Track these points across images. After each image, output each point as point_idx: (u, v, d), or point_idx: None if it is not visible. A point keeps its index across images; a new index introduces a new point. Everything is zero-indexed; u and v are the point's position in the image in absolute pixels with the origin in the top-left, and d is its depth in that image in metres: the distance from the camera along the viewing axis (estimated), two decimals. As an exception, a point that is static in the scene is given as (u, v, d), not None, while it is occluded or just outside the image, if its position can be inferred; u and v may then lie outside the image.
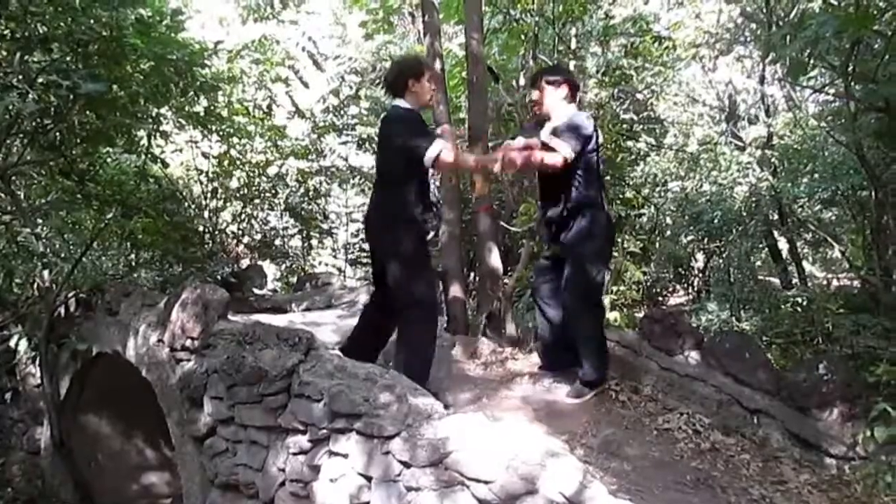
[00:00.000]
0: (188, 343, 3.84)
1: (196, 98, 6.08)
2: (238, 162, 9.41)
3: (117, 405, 5.01)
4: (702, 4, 9.75)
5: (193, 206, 8.98)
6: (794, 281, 9.27)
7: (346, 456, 2.97)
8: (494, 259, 6.20)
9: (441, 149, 3.79)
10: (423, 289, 3.93)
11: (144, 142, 6.00)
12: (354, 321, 4.67)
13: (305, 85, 10.19)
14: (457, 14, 8.44)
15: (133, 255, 7.53)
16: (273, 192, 10.25)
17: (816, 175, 8.28)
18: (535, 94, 4.25)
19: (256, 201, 10.13)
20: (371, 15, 9.48)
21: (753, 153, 8.87)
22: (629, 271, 5.88)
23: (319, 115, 11.69)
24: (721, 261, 10.22)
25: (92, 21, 4.49)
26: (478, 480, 2.53)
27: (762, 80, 9.52)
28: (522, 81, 7.28)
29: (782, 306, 7.79)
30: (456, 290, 6.24)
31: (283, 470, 3.24)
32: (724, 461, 3.64)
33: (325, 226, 11.27)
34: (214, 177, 9.21)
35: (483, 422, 2.79)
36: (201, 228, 9.12)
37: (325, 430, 3.04)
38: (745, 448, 3.80)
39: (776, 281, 9.84)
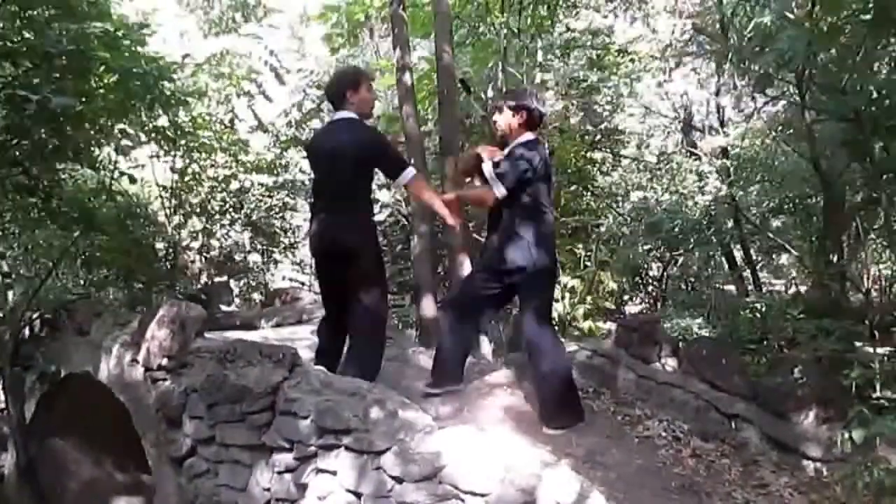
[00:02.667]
0: (165, 362, 3.76)
1: (164, 112, 5.97)
2: (199, 177, 9.29)
3: (86, 428, 4.86)
4: (657, 19, 9.97)
5: (152, 223, 8.81)
6: (750, 288, 9.47)
7: (334, 473, 2.93)
8: (467, 271, 6.21)
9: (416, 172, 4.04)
10: (384, 305, 4.13)
11: (112, 157, 5.86)
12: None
13: (268, 99, 10.13)
14: (422, 28, 8.49)
15: (94, 274, 7.33)
16: (235, 207, 10.13)
17: (766, 184, 8.51)
18: (495, 116, 4.22)
19: (217, 216, 10.00)
20: (336, 29, 9.44)
21: (710, 163, 9.04)
22: (603, 281, 5.96)
23: (282, 129, 11.64)
24: (677, 269, 10.40)
25: (62, 33, 4.37)
26: (473, 494, 2.52)
27: (717, 92, 9.75)
28: (491, 93, 7.33)
29: (741, 312, 7.95)
30: (428, 303, 6.22)
31: (268, 489, 3.18)
32: (705, 466, 3.69)
33: (286, 240, 11.16)
34: (175, 193, 9.07)
35: (475, 434, 2.78)
36: (161, 245, 8.98)
37: (312, 447, 3.00)
38: (724, 453, 3.85)
39: (732, 288, 10.05)
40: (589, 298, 5.55)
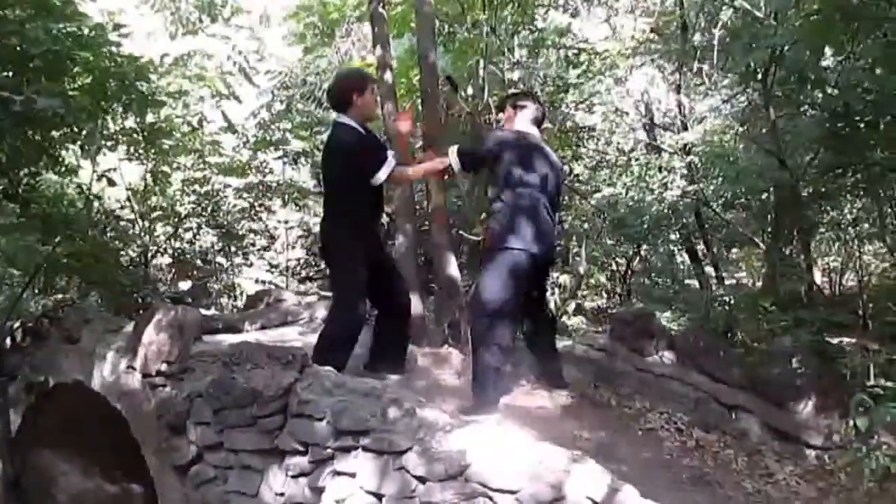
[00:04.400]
0: (164, 368, 3.66)
1: (141, 113, 5.83)
2: (169, 179, 9.11)
3: (76, 439, 4.71)
4: (619, 18, 10.09)
5: (119, 228, 8.61)
6: (713, 282, 9.65)
7: (353, 475, 2.87)
8: (452, 268, 6.19)
9: (389, 171, 4.03)
10: (346, 304, 4.13)
11: (78, 160, 5.69)
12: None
13: (238, 100, 9.98)
14: (397, 27, 8.46)
15: (71, 282, 7.13)
16: (205, 209, 9.97)
17: (722, 179, 8.69)
18: (500, 116, 4.45)
19: (187, 219, 9.83)
20: (309, 29, 9.35)
21: (676, 159, 9.16)
22: (594, 276, 6.00)
23: (252, 130, 11.50)
24: (642, 264, 10.54)
25: (42, 33, 4.23)
26: (503, 491, 2.49)
27: (678, 89, 9.89)
28: (471, 91, 7.34)
29: (711, 306, 8.08)
30: (414, 302, 6.19)
31: (282, 494, 3.12)
32: (712, 457, 3.74)
33: (260, 242, 11.00)
34: (145, 196, 8.89)
35: (498, 431, 2.76)
36: (132, 250, 8.79)
37: (329, 450, 2.94)
38: (727, 443, 3.91)
39: (694, 283, 10.23)
40: (579, 294, 5.58)
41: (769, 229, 8.51)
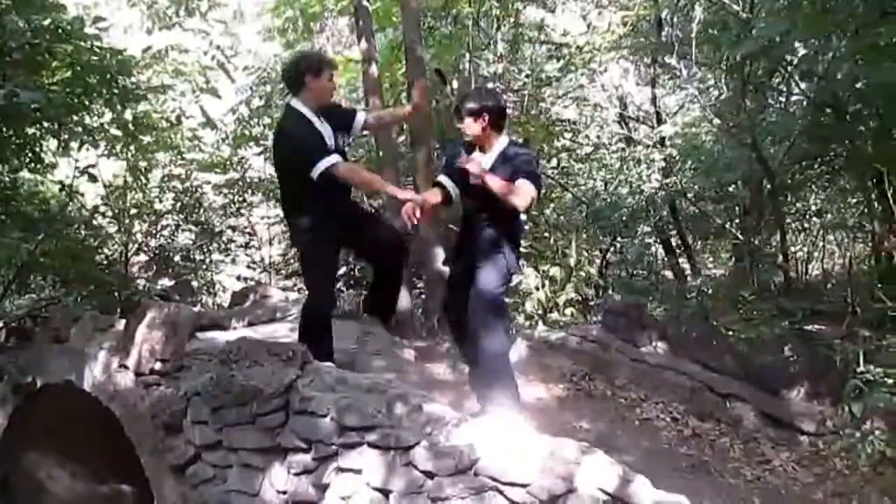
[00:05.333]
0: (158, 366, 3.60)
1: (122, 108, 5.71)
2: (148, 175, 8.98)
3: (65, 440, 4.62)
4: (594, 14, 10.14)
5: (96, 224, 8.46)
6: (688, 273, 9.78)
7: (358, 471, 2.85)
8: (440, 263, 6.18)
9: (331, 164, 3.74)
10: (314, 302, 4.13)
11: (65, 156, 5.58)
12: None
13: (217, 95, 9.84)
14: (378, 22, 8.40)
15: (47, 281, 6.99)
16: (188, 205, 9.84)
17: (694, 171, 8.80)
18: (460, 126, 3.80)
19: (169, 215, 9.69)
20: (290, 23, 9.24)
21: (656, 152, 9.24)
22: (584, 269, 6.03)
23: (230, 127, 11.36)
24: (618, 256, 10.63)
25: (22, 24, 4.12)
26: (514, 484, 2.48)
27: (653, 83, 9.97)
28: (456, 84, 7.32)
29: (688, 296, 8.17)
30: (402, 296, 6.17)
31: (284, 492, 3.08)
32: (709, 446, 3.77)
33: (241, 239, 10.88)
34: (123, 192, 8.75)
35: (505, 425, 2.75)
36: (108, 248, 8.65)
37: (333, 446, 2.90)
38: (723, 432, 3.95)
39: (669, 274, 10.35)
40: (569, 287, 5.61)
41: (737, 220, 8.63)
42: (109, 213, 8.62)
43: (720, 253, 11.41)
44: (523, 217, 3.84)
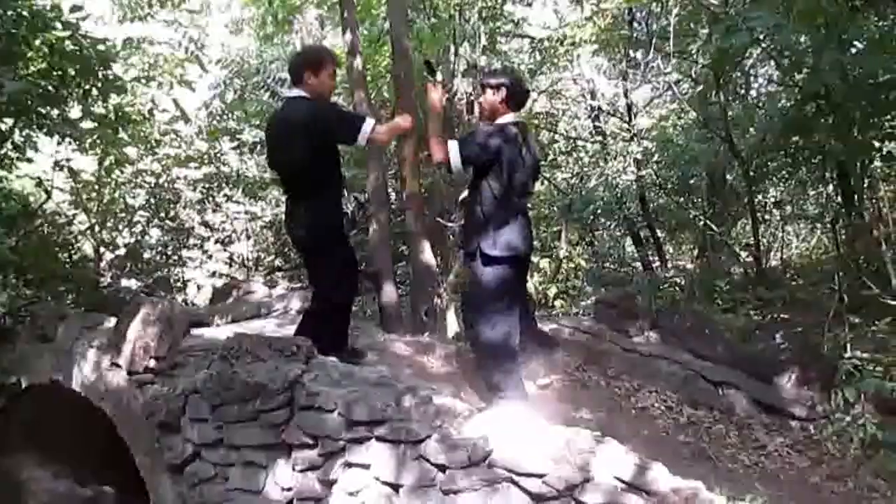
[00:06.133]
0: (152, 364, 3.52)
1: (104, 99, 5.57)
2: (122, 170, 8.77)
3: (49, 441, 4.50)
4: (569, 9, 10.20)
5: (60, 222, 8.25)
6: (657, 265, 9.91)
7: (367, 466, 2.83)
8: (428, 256, 6.16)
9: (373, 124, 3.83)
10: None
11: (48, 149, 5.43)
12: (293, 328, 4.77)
13: (191, 88, 9.67)
14: (359, 14, 8.34)
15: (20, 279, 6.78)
16: (162, 201, 9.65)
17: (660, 165, 8.93)
18: (481, 98, 4.04)
19: (142, 211, 9.49)
20: (268, 15, 9.11)
21: (630, 145, 9.32)
22: (573, 260, 6.06)
23: (204, 121, 11.18)
24: (590, 248, 10.73)
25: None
26: (529, 475, 2.49)
27: (625, 77, 10.06)
28: (440, 77, 7.27)
29: (661, 287, 8.28)
30: (389, 290, 6.15)
31: (289, 489, 3.05)
32: (705, 433, 3.82)
33: (217, 235, 10.70)
34: (99, 188, 8.54)
35: (517, 416, 2.75)
36: (74, 242, 8.45)
37: (341, 442, 2.88)
38: (717, 419, 4.00)
39: (638, 265, 10.48)
40: (559, 277, 5.63)
41: (701, 213, 8.74)
42: (81, 209, 8.41)
43: (684, 245, 11.56)
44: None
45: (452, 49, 6.73)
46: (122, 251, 9.08)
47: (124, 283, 8.53)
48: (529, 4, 9.96)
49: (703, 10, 7.63)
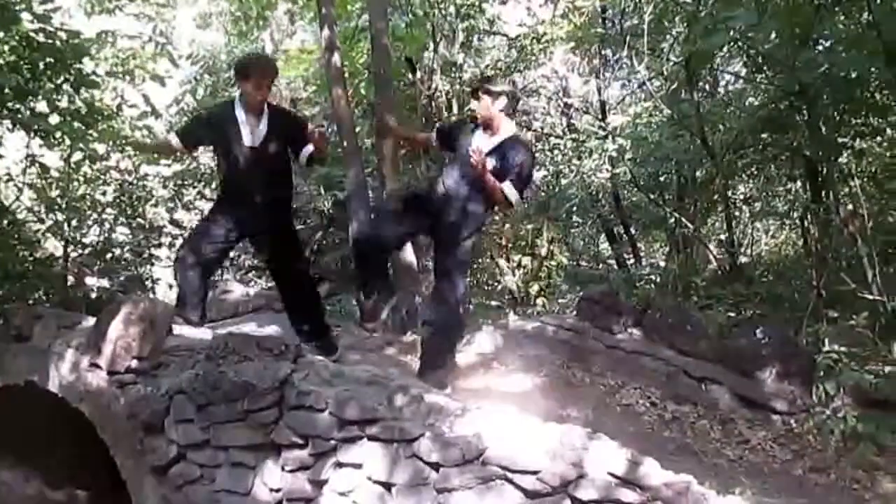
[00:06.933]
0: (134, 364, 3.45)
1: (76, 93, 5.44)
2: (92, 167, 8.57)
3: (22, 444, 4.39)
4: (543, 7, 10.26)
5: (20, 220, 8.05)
6: (630, 262, 10.02)
7: (359, 466, 2.80)
8: (409, 254, 6.14)
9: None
10: None
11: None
12: (274, 329, 4.97)
13: (162, 83, 9.51)
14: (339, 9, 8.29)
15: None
16: (133, 198, 9.45)
17: (637, 162, 9.03)
18: (474, 104, 4.12)
19: (110, 208, 9.28)
20: (243, 10, 9.01)
21: (606, 142, 9.40)
22: (555, 258, 6.08)
23: (175, 117, 11.02)
24: (565, 246, 10.82)
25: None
26: (524, 472, 2.48)
27: (598, 74, 10.13)
28: (419, 74, 7.26)
29: (636, 285, 8.37)
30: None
31: (278, 490, 3.00)
32: (689, 428, 3.86)
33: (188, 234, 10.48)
34: (59, 185, 8.34)
35: (509, 414, 2.75)
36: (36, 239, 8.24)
37: (332, 441, 2.85)
38: (701, 414, 4.05)
39: (612, 262, 10.58)
40: (541, 275, 5.65)
41: (671, 210, 8.86)
42: (47, 206, 8.21)
43: (657, 242, 11.69)
44: None
45: (431, 46, 6.70)
46: (89, 249, 8.90)
47: (89, 281, 8.31)
48: (504, 2, 10.01)
49: (676, 9, 7.74)
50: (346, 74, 7.91)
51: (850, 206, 5.29)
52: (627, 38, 8.87)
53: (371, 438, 2.78)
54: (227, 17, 12.33)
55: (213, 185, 9.67)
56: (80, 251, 8.76)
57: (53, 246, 8.57)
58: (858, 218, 4.11)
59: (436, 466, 2.63)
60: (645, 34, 7.90)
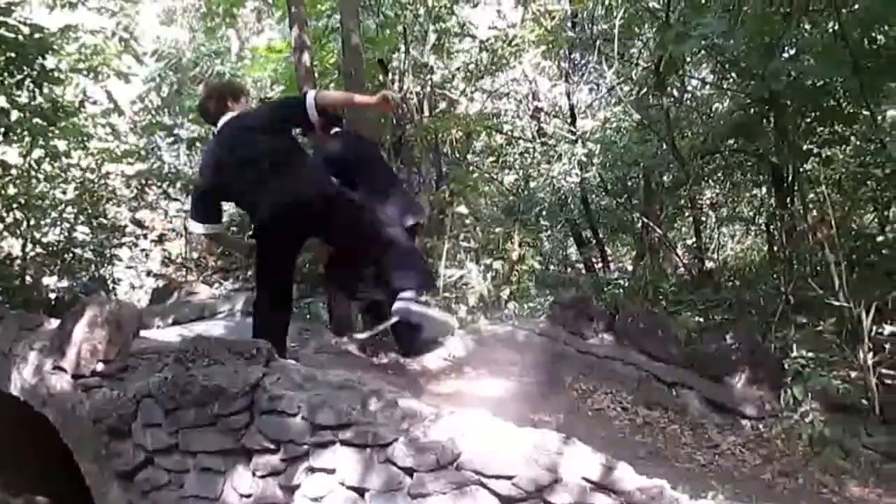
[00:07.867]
0: (100, 367, 3.36)
1: (38, 89, 5.31)
2: (53, 164, 8.38)
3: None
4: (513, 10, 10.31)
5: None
6: (599, 266, 10.10)
7: (331, 471, 2.76)
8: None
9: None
10: None
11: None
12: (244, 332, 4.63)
13: (127, 79, 9.35)
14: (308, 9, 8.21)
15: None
16: (96, 197, 9.25)
17: (605, 166, 9.13)
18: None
19: (71, 207, 9.07)
20: (211, 6, 8.88)
21: (576, 147, 9.47)
22: (527, 260, 6.10)
23: (140, 115, 10.83)
24: (534, 249, 10.87)
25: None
26: (498, 477, 2.47)
27: (566, 77, 10.21)
28: (390, 75, 7.23)
29: (605, 289, 8.43)
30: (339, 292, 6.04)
31: (248, 496, 2.94)
32: (661, 433, 3.88)
33: (151, 234, 10.31)
34: (27, 182, 8.13)
35: (484, 418, 2.73)
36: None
37: (304, 446, 2.80)
38: (671, 419, 4.08)
39: (580, 267, 10.65)
40: (512, 279, 5.66)
41: (638, 214, 8.95)
42: (5, 205, 7.99)
43: (625, 246, 11.80)
44: None
45: (402, 48, 6.68)
46: (46, 250, 8.69)
47: (45, 280, 8.11)
48: (475, 5, 10.02)
49: (645, 14, 7.83)
50: (316, 75, 7.86)
51: (815, 213, 5.39)
52: (597, 42, 8.97)
53: (344, 443, 2.74)
54: (193, 14, 12.18)
55: (178, 185, 9.53)
56: (38, 250, 8.56)
57: (10, 245, 8.37)
58: (826, 225, 4.19)
59: (410, 472, 2.60)
60: (615, 39, 7.99)
